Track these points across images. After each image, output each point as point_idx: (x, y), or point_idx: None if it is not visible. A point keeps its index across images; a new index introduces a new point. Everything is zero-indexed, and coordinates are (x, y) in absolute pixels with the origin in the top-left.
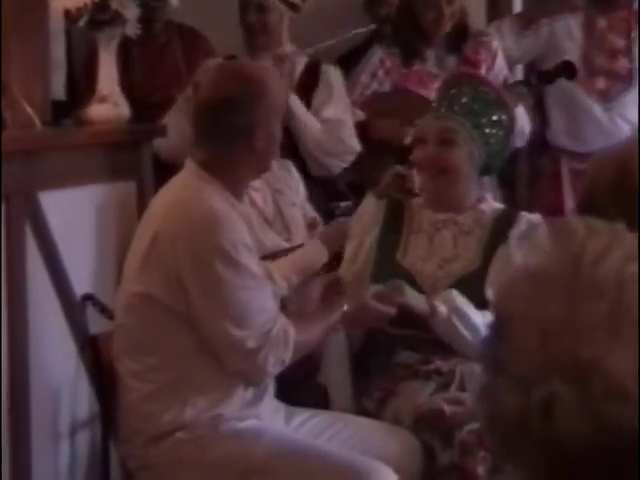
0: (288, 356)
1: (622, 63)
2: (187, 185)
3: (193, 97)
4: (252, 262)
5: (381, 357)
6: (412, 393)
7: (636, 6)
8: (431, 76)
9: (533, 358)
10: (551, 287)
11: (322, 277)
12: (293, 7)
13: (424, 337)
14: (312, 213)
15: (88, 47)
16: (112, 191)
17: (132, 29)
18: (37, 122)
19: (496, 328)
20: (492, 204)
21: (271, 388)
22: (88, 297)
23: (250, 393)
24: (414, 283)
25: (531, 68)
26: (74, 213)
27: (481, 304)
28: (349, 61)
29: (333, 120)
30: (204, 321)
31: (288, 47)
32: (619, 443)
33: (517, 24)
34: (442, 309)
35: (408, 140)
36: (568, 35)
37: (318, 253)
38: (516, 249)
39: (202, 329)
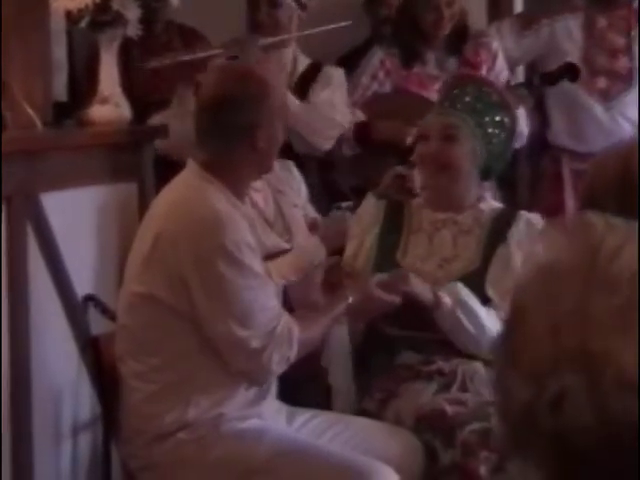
0: (293, 354)
1: (622, 62)
2: (189, 185)
3: (195, 97)
4: (255, 262)
5: (382, 358)
6: (414, 394)
7: (636, 4)
8: (431, 78)
9: (545, 351)
10: (566, 280)
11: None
12: (302, 5)
13: (425, 338)
14: (313, 214)
15: (89, 48)
16: (113, 192)
17: (133, 30)
18: (38, 123)
19: (510, 320)
20: (491, 203)
21: (273, 388)
22: (89, 298)
23: (252, 392)
24: None
25: (532, 69)
26: (75, 214)
27: (481, 304)
28: (349, 62)
29: (324, 100)
30: (207, 321)
31: (293, 47)
32: (628, 437)
33: (517, 25)
34: (447, 300)
35: (409, 141)
36: (568, 35)
37: (316, 252)
38: (515, 249)
39: (205, 329)
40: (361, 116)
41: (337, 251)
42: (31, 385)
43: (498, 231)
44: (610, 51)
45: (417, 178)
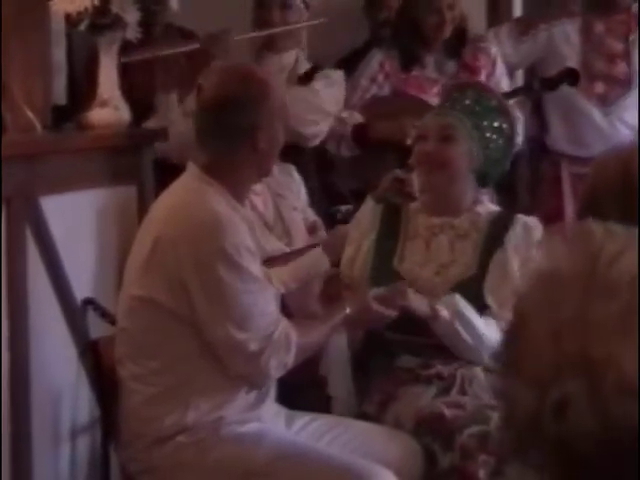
0: (290, 360)
1: (620, 67)
2: (189, 189)
3: (196, 98)
4: (254, 265)
5: (382, 361)
6: (413, 397)
7: (635, 9)
8: (430, 81)
9: (546, 357)
10: (566, 287)
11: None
12: (306, 6)
13: (424, 342)
14: (313, 217)
15: (89, 51)
16: (113, 195)
17: (133, 33)
18: (38, 126)
19: (512, 327)
20: (488, 206)
21: (272, 391)
22: (89, 301)
23: (252, 396)
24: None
25: (531, 73)
26: (75, 217)
27: (479, 310)
28: (348, 65)
29: (308, 89)
30: (206, 324)
31: (296, 50)
32: (629, 442)
33: (515, 30)
34: (444, 313)
35: (409, 142)
36: (566, 40)
37: (319, 262)
38: (512, 253)
39: (204, 332)
40: (359, 118)
41: (337, 263)
42: (30, 388)
43: (495, 235)
44: (608, 56)
45: (416, 181)
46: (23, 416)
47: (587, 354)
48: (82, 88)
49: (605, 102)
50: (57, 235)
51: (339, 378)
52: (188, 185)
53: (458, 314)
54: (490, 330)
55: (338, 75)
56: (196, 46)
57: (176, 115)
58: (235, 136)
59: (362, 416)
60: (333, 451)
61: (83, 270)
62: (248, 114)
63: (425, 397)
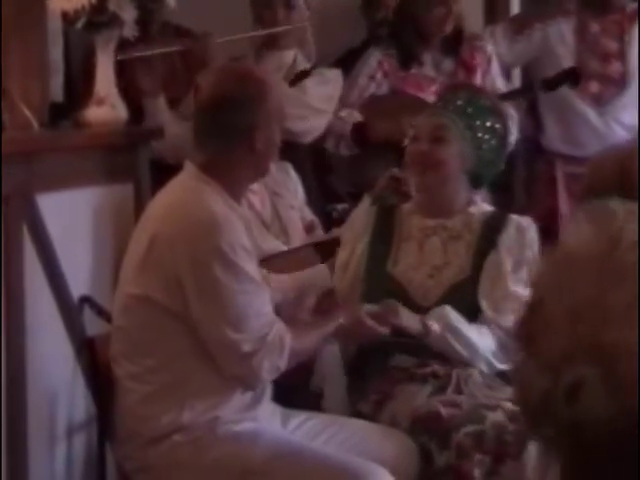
0: (283, 363)
1: (615, 67)
2: (186, 188)
3: (194, 98)
4: (250, 265)
5: (377, 360)
6: (409, 396)
7: (629, 9)
8: (428, 79)
9: (562, 340)
10: (584, 268)
11: (318, 287)
12: (307, 6)
13: (420, 343)
14: (310, 216)
15: (86, 49)
16: (109, 193)
17: (130, 31)
18: (35, 124)
19: (529, 307)
20: (481, 207)
21: (269, 391)
22: (85, 299)
23: (248, 397)
24: (406, 295)
25: (528, 74)
26: (71, 215)
27: (473, 313)
28: (345, 64)
29: (298, 86)
30: (201, 323)
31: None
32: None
33: (510, 29)
34: (435, 327)
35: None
36: (561, 40)
37: (323, 279)
38: (506, 255)
39: (199, 331)
40: (358, 117)
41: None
42: (26, 386)
43: (488, 237)
44: (603, 56)
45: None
46: (19, 413)
47: (600, 338)
48: (79, 86)
49: (600, 102)
50: (54, 233)
51: (333, 393)
52: (185, 184)
53: (450, 327)
54: (483, 339)
55: (333, 73)
56: (180, 48)
57: (167, 117)
58: (232, 136)
59: (358, 415)
60: (329, 450)
61: (80, 268)
62: (246, 114)
63: (421, 396)
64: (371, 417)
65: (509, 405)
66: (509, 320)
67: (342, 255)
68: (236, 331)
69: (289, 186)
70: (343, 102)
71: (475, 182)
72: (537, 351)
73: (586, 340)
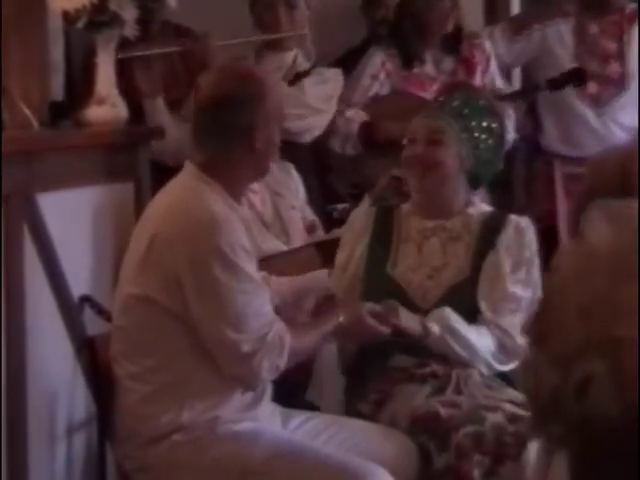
0: (282, 362)
1: (614, 67)
2: (186, 188)
3: (193, 97)
4: (250, 265)
5: (377, 361)
6: (408, 396)
7: (628, 9)
8: (429, 78)
9: (574, 335)
10: (602, 265)
11: (317, 292)
12: (308, 6)
13: (419, 343)
14: (311, 216)
15: (86, 48)
16: (110, 193)
17: (130, 30)
18: (35, 123)
19: (544, 301)
20: (480, 207)
21: (269, 390)
22: (85, 298)
23: (248, 397)
24: (405, 296)
25: (528, 75)
26: (72, 215)
27: (472, 314)
28: (346, 63)
29: (296, 86)
30: (201, 323)
31: (295, 50)
32: None
33: (509, 30)
34: (435, 329)
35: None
36: (560, 41)
37: (323, 284)
38: (505, 255)
39: (199, 331)
40: (364, 116)
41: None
42: (26, 385)
43: (487, 237)
44: (601, 56)
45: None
46: (19, 413)
47: (611, 335)
48: (80, 85)
49: (598, 102)
50: (54, 232)
51: (328, 387)
52: (185, 184)
53: (449, 328)
54: (483, 340)
55: (333, 73)
56: (179, 48)
57: (166, 119)
58: (232, 135)
59: (357, 415)
60: (329, 450)
61: (80, 267)
62: (245, 113)
63: (420, 396)
64: (371, 417)
65: (509, 406)
66: (508, 321)
67: (341, 256)
68: (236, 331)
69: (290, 186)
70: (346, 102)
71: (474, 182)
72: (549, 345)
73: (597, 336)
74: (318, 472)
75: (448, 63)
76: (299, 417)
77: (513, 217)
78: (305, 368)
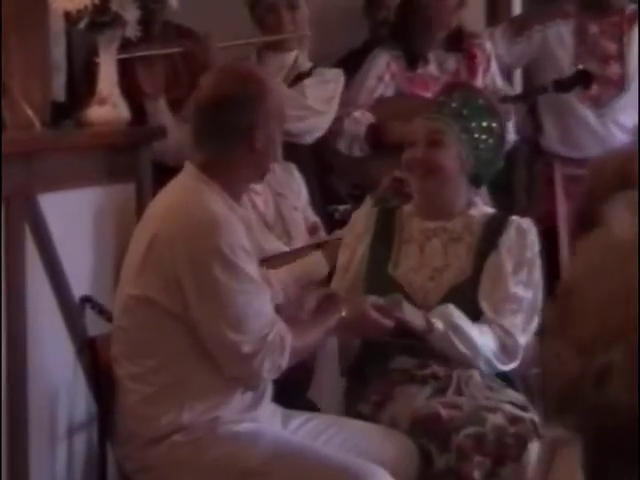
0: (284, 362)
1: (614, 68)
2: (186, 188)
3: (193, 98)
4: (250, 266)
5: (378, 362)
6: (409, 397)
7: (629, 10)
8: (433, 79)
9: (596, 325)
10: (622, 257)
11: (318, 290)
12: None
13: (420, 345)
14: (313, 217)
15: (88, 49)
16: (111, 193)
17: (132, 31)
18: (37, 123)
19: (565, 291)
20: (482, 209)
21: (269, 391)
22: (86, 299)
23: (248, 397)
24: (407, 297)
25: (528, 77)
26: (73, 215)
27: (473, 314)
28: (347, 65)
29: (296, 87)
30: (201, 323)
31: (296, 51)
32: None
33: (509, 31)
34: (439, 325)
35: None
36: (560, 42)
37: (319, 266)
38: (506, 256)
39: (199, 331)
40: (371, 117)
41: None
42: (27, 385)
43: (489, 238)
44: (602, 57)
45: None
46: (20, 413)
47: (632, 326)
48: (81, 86)
49: (598, 104)
50: (55, 233)
51: (329, 388)
52: (185, 184)
53: (452, 325)
54: (484, 338)
55: (334, 74)
56: (179, 49)
57: (168, 120)
58: (232, 135)
59: (358, 416)
60: (329, 450)
61: (81, 268)
62: (245, 113)
63: (421, 397)
64: (371, 418)
65: (509, 407)
66: (509, 321)
67: (343, 257)
68: (236, 332)
69: (293, 187)
70: (351, 103)
71: (475, 182)
72: (570, 334)
73: (618, 327)
74: (318, 473)
75: (451, 63)
76: (299, 418)
77: (515, 218)
78: (307, 367)
